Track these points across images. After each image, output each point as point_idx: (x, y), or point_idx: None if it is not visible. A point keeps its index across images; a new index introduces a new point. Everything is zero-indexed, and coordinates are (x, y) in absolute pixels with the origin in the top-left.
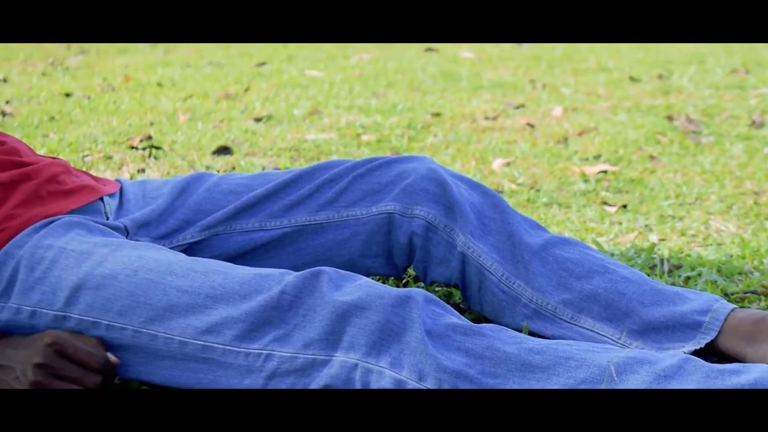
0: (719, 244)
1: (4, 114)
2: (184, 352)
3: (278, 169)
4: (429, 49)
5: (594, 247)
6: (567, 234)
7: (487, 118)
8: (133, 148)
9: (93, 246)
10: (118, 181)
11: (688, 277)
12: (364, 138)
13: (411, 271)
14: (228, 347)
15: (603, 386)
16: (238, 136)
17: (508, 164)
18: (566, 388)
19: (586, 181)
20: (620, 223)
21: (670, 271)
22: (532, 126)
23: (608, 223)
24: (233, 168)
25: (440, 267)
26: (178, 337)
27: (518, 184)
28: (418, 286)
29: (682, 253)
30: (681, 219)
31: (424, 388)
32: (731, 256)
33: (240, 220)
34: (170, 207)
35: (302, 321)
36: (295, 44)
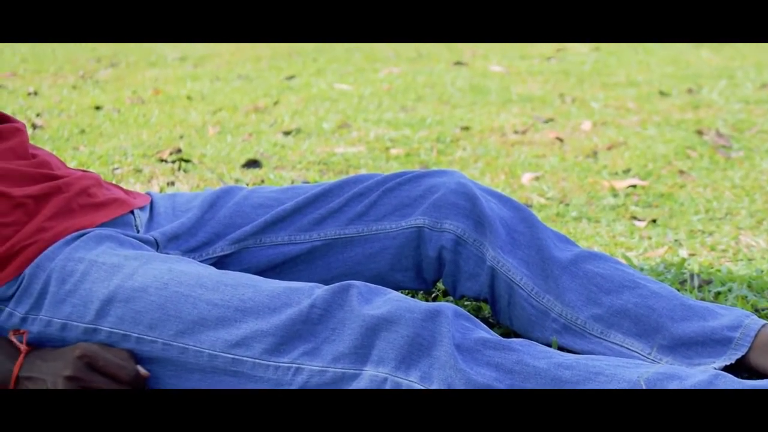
0: (749, 260)
1: (34, 127)
2: (214, 365)
3: (307, 182)
4: (458, 63)
5: (624, 262)
6: (596, 249)
7: (516, 132)
8: (162, 161)
9: (123, 259)
10: (148, 194)
11: (719, 293)
12: (393, 152)
13: (440, 285)
14: (257, 361)
15: None
16: (267, 150)
17: (537, 178)
18: None
19: (615, 195)
20: (650, 238)
21: (700, 287)
22: (561, 140)
23: (638, 237)
24: (262, 181)
25: (469, 281)
26: (207, 351)
27: (547, 199)
28: (447, 301)
29: (712, 268)
30: (711, 234)
31: None
32: (761, 271)
33: (269, 233)
34: (200, 220)
35: (332, 335)
36: (324, 58)
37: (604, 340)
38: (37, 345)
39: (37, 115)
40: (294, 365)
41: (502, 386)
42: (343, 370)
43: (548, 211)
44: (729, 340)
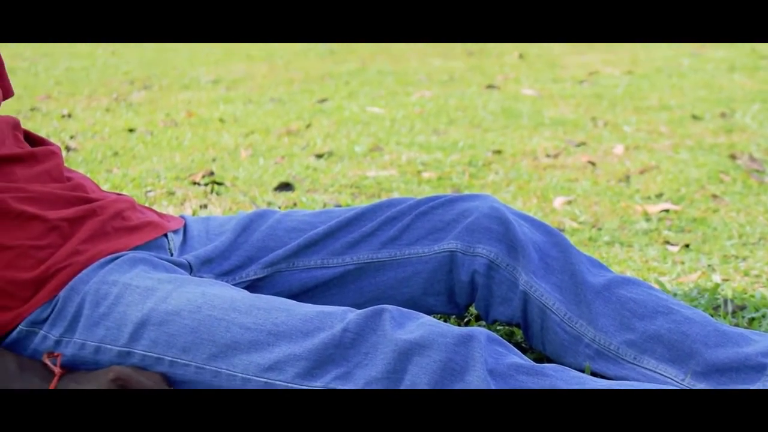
0: None
1: (68, 149)
2: (247, 389)
3: (339, 205)
4: (490, 86)
5: (657, 287)
6: (629, 273)
7: (548, 155)
8: (195, 183)
9: (157, 282)
10: (182, 217)
11: (752, 318)
12: (425, 175)
13: (472, 309)
14: (290, 384)
15: None
16: (300, 173)
17: (569, 202)
18: None
19: (648, 220)
20: (683, 263)
21: (734, 312)
22: (593, 164)
23: (671, 262)
24: (294, 204)
25: (502, 306)
26: (240, 374)
27: (579, 223)
28: (479, 325)
29: (746, 293)
30: (744, 259)
31: None
32: None
33: (302, 257)
34: (233, 244)
35: (364, 359)
36: (356, 81)
37: (638, 365)
38: (71, 368)
39: (71, 137)
40: (326, 389)
41: None
42: None
43: (580, 236)
44: (763, 366)
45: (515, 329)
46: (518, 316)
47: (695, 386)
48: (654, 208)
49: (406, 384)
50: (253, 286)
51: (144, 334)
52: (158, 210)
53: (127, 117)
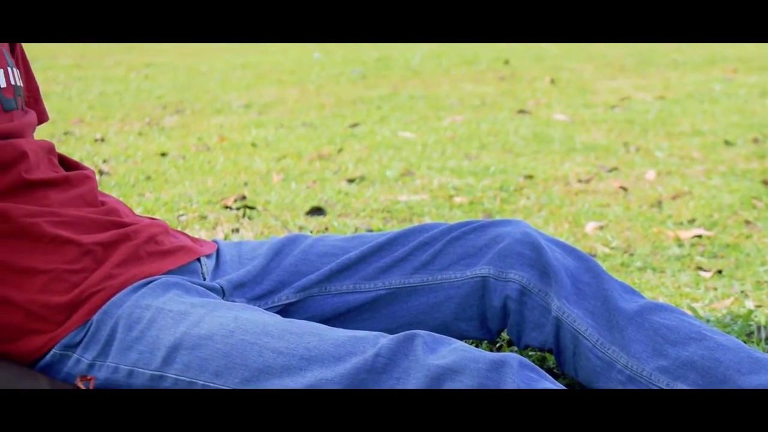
0: None
1: (101, 173)
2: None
3: (371, 230)
4: (521, 111)
5: (689, 313)
6: (661, 299)
7: (580, 181)
8: (227, 207)
9: (190, 306)
10: (214, 241)
11: None
12: (457, 200)
13: (504, 335)
14: None
15: None
16: (331, 197)
17: (601, 228)
18: None
19: (680, 245)
20: (715, 289)
21: (767, 339)
22: (625, 189)
23: (703, 288)
24: (326, 228)
25: (534, 331)
26: None
27: (611, 248)
28: (511, 350)
29: None
30: None
31: None
32: None
33: (335, 282)
34: (266, 268)
35: (396, 384)
36: (388, 106)
37: None
38: None
39: (104, 161)
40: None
41: None
42: None
43: (612, 261)
44: None
45: (547, 355)
46: (550, 341)
47: None
48: (686, 234)
49: None
50: (285, 311)
51: (177, 358)
52: (190, 234)
53: (159, 141)
